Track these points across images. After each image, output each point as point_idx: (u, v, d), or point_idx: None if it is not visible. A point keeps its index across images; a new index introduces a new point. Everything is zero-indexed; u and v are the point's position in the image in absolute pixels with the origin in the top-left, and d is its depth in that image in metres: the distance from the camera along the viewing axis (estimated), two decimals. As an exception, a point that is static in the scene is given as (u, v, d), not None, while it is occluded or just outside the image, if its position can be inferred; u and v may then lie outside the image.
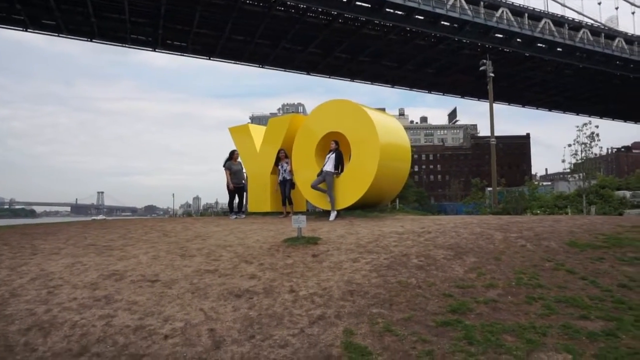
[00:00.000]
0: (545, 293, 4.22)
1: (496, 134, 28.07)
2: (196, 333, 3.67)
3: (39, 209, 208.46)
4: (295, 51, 53.56)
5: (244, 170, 10.81)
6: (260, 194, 10.40)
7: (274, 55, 54.16)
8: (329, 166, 9.23)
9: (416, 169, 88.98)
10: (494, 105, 29.42)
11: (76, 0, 39.93)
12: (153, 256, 5.54)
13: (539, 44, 50.26)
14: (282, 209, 10.13)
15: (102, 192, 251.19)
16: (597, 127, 20.58)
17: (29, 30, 45.72)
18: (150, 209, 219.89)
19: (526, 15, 48.71)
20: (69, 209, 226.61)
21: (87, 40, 48.65)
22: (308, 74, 60.89)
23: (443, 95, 65.34)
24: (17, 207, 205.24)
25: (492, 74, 25.26)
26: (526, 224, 6.82)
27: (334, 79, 62.52)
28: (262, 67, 58.73)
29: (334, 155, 9.32)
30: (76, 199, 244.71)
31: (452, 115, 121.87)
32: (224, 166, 10.29)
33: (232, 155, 10.40)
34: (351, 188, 8.77)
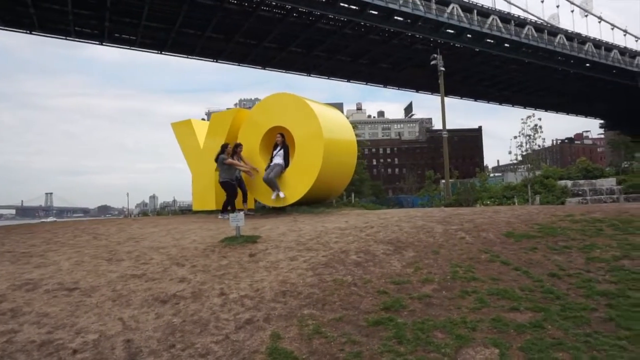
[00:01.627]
0: (479, 286, 4.21)
1: (450, 127, 28.70)
2: (110, 345, 3.37)
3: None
4: (249, 45, 52.69)
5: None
6: (205, 192, 9.99)
7: (228, 50, 53.06)
8: (279, 160, 9.07)
9: (374, 162, 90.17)
10: (447, 99, 30.06)
11: (11, -12, 37.36)
12: (76, 262, 5.14)
13: (487, 40, 51.89)
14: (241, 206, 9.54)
15: (51, 193, 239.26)
16: (539, 119, 21.44)
17: (-41, 21, 42.44)
18: (104, 209, 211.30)
19: (475, 11, 50.15)
20: (14, 211, 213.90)
21: (27, 33, 45.75)
22: (264, 68, 60.14)
23: (398, 89, 66.47)
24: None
25: (442, 68, 25.80)
26: (467, 215, 6.88)
27: (290, 73, 62.23)
28: (216, 62, 57.40)
29: (282, 150, 9.15)
30: (22, 201, 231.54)
31: (408, 109, 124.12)
32: (216, 160, 9.17)
33: (226, 149, 9.16)
34: (296, 184, 8.60)
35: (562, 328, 3.44)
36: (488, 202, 23.43)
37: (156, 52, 53.56)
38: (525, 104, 69.87)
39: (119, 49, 55.98)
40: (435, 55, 25.77)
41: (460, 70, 56.45)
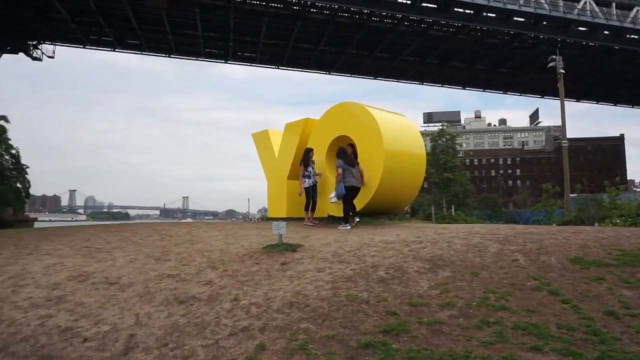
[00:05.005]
0: (506, 317, 3.65)
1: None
2: (115, 338, 3.64)
3: (132, 212, 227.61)
4: (361, 56, 53.34)
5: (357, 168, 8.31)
6: (278, 199, 10.29)
7: (340, 62, 54.36)
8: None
9: (492, 173, 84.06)
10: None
11: (155, 19, 43.16)
12: (130, 259, 5.68)
13: (630, 35, 45.23)
14: (304, 215, 9.58)
15: (187, 197, 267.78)
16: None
17: (116, 50, 50.37)
18: (230, 213, 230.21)
19: (614, 4, 44.12)
20: (158, 212, 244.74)
21: (166, 56, 52.56)
22: (375, 78, 60.41)
23: (521, 95, 61.42)
24: (115, 210, 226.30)
25: (562, 71, 23.11)
26: (538, 235, 6.03)
27: (402, 82, 61.51)
28: (329, 74, 59.30)
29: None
30: (164, 204, 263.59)
31: (534, 116, 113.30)
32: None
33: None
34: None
35: (588, 379, 2.81)
36: (617, 222, 20.28)
37: (274, 67, 57.33)
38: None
39: (243, 66, 61.04)
40: (554, 57, 23.18)
41: (595, 72, 50.12)
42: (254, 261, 5.45)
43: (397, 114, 9.73)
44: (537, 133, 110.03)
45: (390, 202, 8.87)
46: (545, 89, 55.02)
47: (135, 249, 6.32)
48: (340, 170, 8.25)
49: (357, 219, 8.24)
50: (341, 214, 8.81)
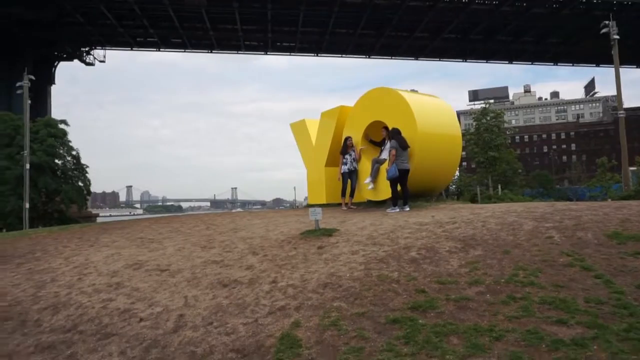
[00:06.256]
0: (534, 293, 3.71)
1: None
2: (167, 318, 4.04)
3: (185, 205, 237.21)
4: (400, 38, 52.33)
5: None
6: (317, 186, 10.54)
7: (379, 45, 53.58)
8: (386, 154, 9.03)
9: (545, 149, 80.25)
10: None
11: (195, 17, 44.36)
12: (179, 248, 6.14)
13: (697, -8, 41.45)
14: (341, 200, 9.79)
15: (236, 188, 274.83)
16: None
17: (161, 49, 52.36)
18: (277, 202, 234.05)
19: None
20: (208, 204, 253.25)
21: (208, 52, 54.00)
22: (416, 59, 59.19)
23: (573, 66, 58.08)
24: (168, 203, 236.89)
25: (616, 36, 21.63)
26: (577, 211, 5.91)
27: (444, 61, 59.87)
28: (368, 58, 58.70)
29: (388, 144, 9.12)
30: (214, 195, 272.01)
31: (590, 86, 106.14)
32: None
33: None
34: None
35: (611, 350, 2.86)
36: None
37: (313, 55, 57.51)
38: None
39: (283, 56, 61.78)
40: (607, 22, 21.75)
41: (658, 34, 46.30)
42: (292, 246, 5.74)
43: (431, 96, 9.65)
44: (594, 104, 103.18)
45: (427, 183, 8.88)
46: (601, 57, 51.65)
47: (183, 238, 6.79)
48: (394, 151, 8.19)
49: (407, 208, 8.07)
50: (378, 198, 8.96)
